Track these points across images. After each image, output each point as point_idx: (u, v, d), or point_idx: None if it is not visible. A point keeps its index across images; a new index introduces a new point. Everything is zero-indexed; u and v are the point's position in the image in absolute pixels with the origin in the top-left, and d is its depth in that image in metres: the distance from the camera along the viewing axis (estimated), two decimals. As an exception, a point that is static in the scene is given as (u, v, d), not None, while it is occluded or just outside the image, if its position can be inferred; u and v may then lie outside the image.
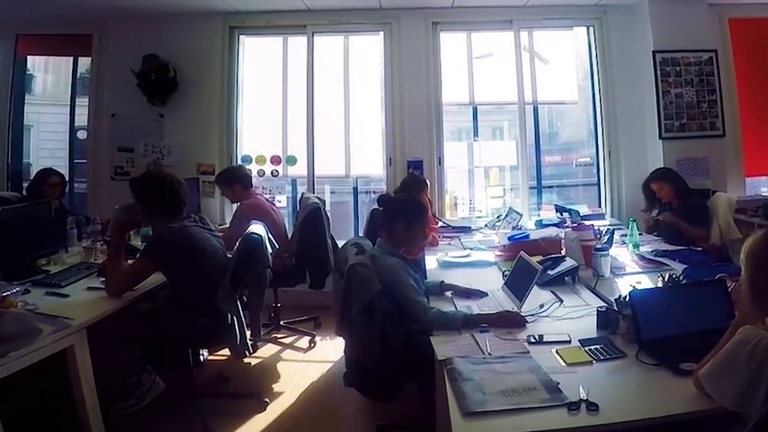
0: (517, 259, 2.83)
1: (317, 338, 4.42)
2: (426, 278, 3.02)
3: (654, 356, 1.86)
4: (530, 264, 2.69)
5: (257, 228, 3.17)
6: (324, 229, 4.31)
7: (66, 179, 4.90)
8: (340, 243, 5.01)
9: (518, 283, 2.67)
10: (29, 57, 6.31)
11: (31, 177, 4.82)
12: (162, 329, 2.81)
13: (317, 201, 4.38)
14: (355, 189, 5.77)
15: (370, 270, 2.54)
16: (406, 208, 2.84)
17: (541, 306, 2.51)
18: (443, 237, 4.46)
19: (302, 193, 4.91)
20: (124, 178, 5.23)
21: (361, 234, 4.73)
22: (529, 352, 2.01)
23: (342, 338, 2.69)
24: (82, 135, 5.89)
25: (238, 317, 2.96)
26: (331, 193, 5.85)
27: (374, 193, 5.70)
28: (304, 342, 4.40)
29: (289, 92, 5.60)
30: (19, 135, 5.98)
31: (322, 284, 4.32)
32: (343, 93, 5.55)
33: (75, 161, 6.08)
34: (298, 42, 5.59)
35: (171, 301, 2.93)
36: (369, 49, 5.64)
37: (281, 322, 4.54)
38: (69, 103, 6.16)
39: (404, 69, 5.38)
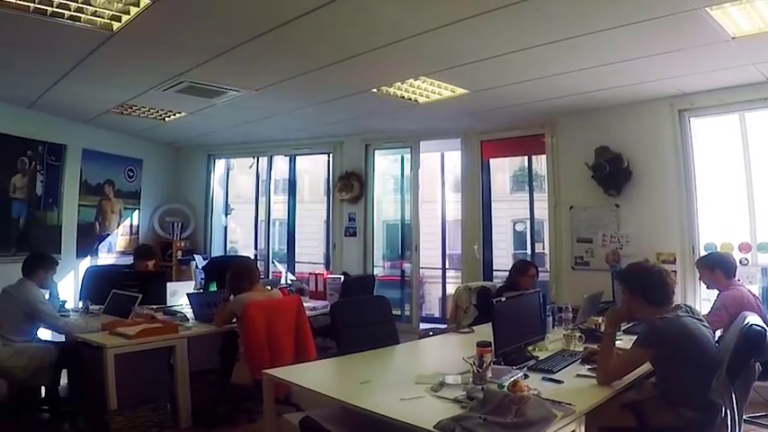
0: None
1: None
2: None
3: None
4: None
5: (756, 319, 2.97)
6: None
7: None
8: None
9: None
10: (491, 159, 7.30)
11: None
12: (646, 420, 2.85)
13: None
14: None
15: None
16: None
17: None
18: None
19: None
20: (584, 268, 5.62)
21: None
22: None
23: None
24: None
25: (732, 410, 2.80)
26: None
27: None
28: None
29: (753, 171, 5.12)
30: (487, 229, 6.96)
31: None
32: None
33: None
34: (759, 117, 5.11)
35: (657, 391, 2.96)
36: None
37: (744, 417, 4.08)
38: (528, 198, 6.94)
39: None
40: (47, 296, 4.65)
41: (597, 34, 3.80)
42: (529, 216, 7.02)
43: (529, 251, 7.06)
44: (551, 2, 3.37)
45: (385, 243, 7.89)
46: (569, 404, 2.53)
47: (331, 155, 8.00)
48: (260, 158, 8.69)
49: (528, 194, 7.21)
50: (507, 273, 5.35)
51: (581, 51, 4.15)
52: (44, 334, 4.69)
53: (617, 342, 3.42)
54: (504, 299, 3.50)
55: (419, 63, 4.58)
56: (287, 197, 8.85)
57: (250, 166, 8.89)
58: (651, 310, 2.97)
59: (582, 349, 3.51)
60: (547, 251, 6.55)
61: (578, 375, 3.07)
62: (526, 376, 3.02)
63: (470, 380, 2.87)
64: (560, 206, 6.09)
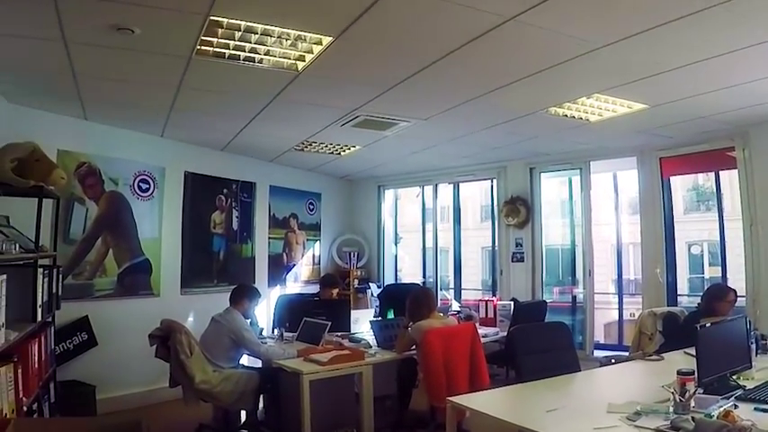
0: None
1: None
2: None
3: None
4: None
5: None
6: None
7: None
8: None
9: None
10: (671, 177, 6.80)
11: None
12: None
13: None
14: None
15: None
16: None
17: None
18: None
19: None
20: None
21: None
22: None
23: None
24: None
25: None
26: None
27: None
28: None
29: None
30: (670, 252, 6.52)
31: None
32: None
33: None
34: None
35: None
36: None
37: None
38: (717, 217, 6.39)
39: None
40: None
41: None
42: (719, 237, 6.40)
43: (720, 275, 6.44)
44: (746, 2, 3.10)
45: (545, 268, 7.62)
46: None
47: (494, 180, 7.98)
48: (425, 187, 8.90)
49: (716, 214, 6.59)
50: (689, 297, 4.96)
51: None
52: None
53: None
54: (708, 324, 3.27)
55: (594, 79, 4.40)
56: (451, 224, 8.95)
57: (417, 195, 9.15)
58: None
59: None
60: (729, 275, 5.97)
61: (797, 406, 2.81)
62: (736, 406, 2.83)
63: (670, 409, 2.74)
64: (757, 225, 5.55)
